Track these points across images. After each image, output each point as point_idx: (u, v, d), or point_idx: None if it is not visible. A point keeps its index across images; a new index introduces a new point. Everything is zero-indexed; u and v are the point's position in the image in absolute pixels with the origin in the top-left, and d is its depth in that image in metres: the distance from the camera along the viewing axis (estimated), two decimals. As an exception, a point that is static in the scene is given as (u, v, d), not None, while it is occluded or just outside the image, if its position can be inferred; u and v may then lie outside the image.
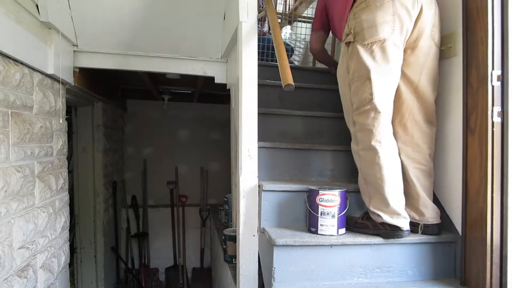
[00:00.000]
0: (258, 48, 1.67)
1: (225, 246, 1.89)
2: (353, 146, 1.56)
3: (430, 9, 1.48)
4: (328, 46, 3.00)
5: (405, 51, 1.50)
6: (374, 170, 1.44)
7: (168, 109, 4.20)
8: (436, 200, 1.60)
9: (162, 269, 4.31)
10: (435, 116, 1.57)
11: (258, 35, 1.65)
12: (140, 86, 3.62)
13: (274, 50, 1.53)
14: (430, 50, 1.51)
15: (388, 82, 1.47)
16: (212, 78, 2.34)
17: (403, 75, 1.51)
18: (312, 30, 2.15)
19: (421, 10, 1.45)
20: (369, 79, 1.43)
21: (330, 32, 2.06)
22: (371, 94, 1.43)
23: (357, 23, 1.47)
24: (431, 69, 1.53)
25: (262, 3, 2.73)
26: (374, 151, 1.43)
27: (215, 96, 3.90)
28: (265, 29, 3.27)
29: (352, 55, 1.49)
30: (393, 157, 1.46)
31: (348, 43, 1.51)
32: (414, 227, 1.50)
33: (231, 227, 2.05)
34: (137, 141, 4.34)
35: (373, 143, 1.43)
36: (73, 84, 2.13)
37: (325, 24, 2.01)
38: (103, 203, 3.31)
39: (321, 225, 1.47)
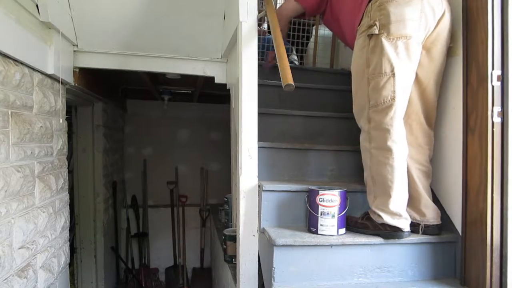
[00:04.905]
0: (258, 48, 1.66)
1: (225, 246, 1.89)
2: (365, 143, 1.51)
3: (450, 13, 1.48)
4: (328, 44, 3.02)
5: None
6: (385, 170, 1.41)
7: (168, 109, 4.20)
8: (436, 200, 1.60)
9: (162, 269, 4.31)
10: (435, 119, 1.57)
11: (258, 35, 1.64)
12: (140, 86, 3.61)
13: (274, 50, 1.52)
14: (442, 55, 1.51)
15: (408, 81, 1.45)
16: (212, 78, 2.33)
17: (415, 75, 1.50)
18: (299, 3, 1.90)
19: (443, 13, 1.45)
20: (393, 76, 1.40)
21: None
22: (394, 92, 1.40)
23: (383, 15, 1.41)
24: (440, 73, 1.53)
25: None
26: (389, 152, 1.41)
27: (215, 96, 3.90)
28: (265, 26, 3.25)
29: (374, 48, 1.43)
30: (404, 158, 1.44)
31: (370, 36, 1.44)
32: (415, 227, 1.50)
33: (231, 227, 2.05)
34: (137, 141, 4.34)
35: (389, 143, 1.40)
36: (73, 84, 2.13)
37: (320, 8, 1.86)
38: (103, 203, 3.31)
39: (321, 225, 1.47)
